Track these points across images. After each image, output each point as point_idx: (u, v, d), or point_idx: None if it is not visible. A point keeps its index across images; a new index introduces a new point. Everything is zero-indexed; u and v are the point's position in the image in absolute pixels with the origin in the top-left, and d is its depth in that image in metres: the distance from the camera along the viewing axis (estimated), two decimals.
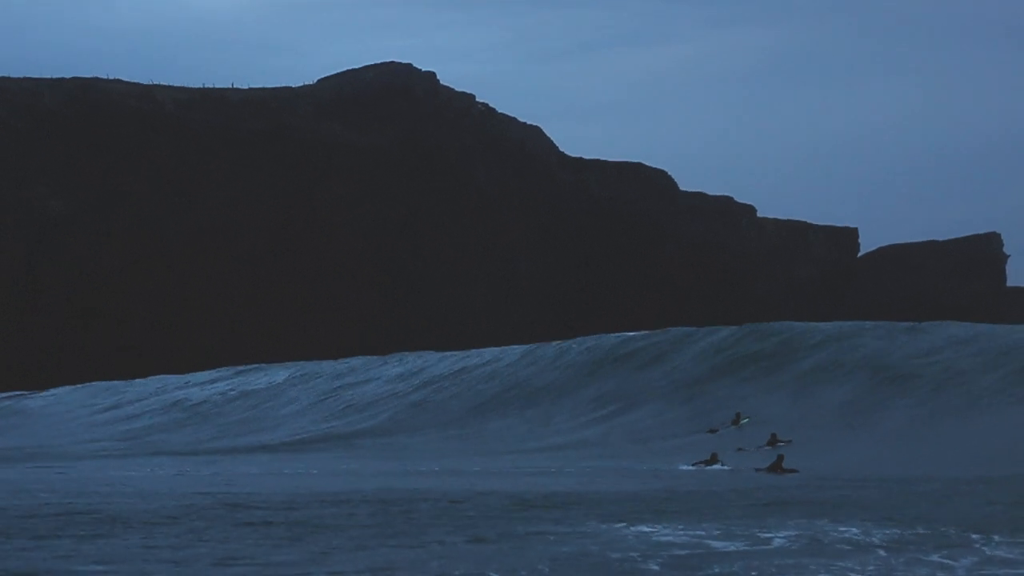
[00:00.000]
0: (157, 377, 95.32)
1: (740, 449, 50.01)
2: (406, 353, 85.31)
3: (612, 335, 74.64)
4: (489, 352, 78.11)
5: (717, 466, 43.14)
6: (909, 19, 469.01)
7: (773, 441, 50.58)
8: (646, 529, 23.35)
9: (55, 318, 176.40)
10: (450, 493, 30.93)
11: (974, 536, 21.77)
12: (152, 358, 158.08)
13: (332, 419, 70.58)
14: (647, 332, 73.01)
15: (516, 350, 76.49)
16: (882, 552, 20.34)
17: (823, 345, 60.43)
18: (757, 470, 40.31)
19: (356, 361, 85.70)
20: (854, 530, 22.75)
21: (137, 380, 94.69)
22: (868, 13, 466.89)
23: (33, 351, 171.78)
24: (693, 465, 43.52)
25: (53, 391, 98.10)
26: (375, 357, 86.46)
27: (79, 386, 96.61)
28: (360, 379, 78.76)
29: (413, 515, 25.85)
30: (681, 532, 22.80)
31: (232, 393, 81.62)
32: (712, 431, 54.87)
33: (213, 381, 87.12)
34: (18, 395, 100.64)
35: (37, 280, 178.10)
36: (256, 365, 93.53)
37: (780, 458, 40.56)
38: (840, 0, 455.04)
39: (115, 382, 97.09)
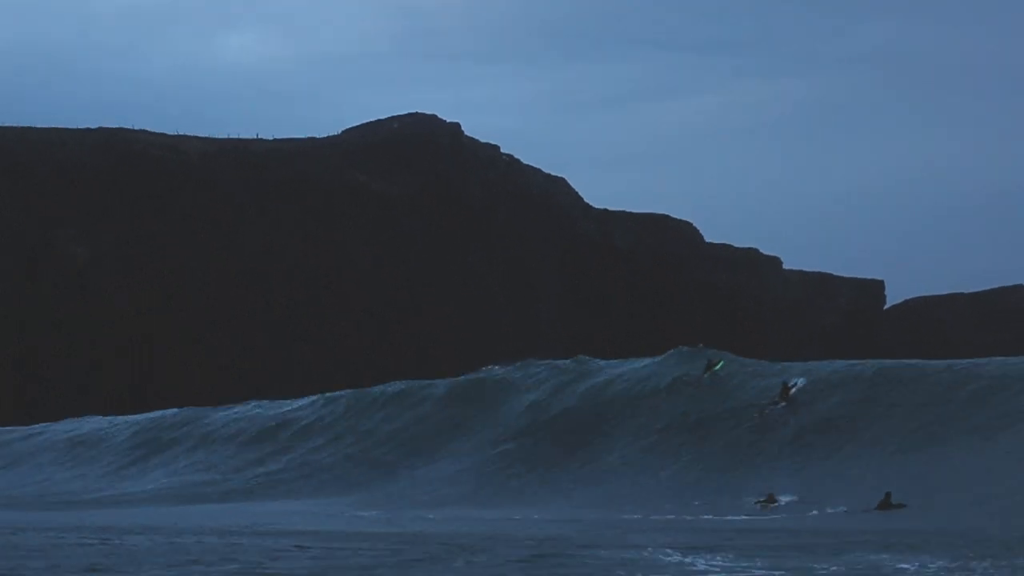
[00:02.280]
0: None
1: (764, 413, 49.58)
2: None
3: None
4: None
5: (778, 503, 42.11)
6: (936, 70, 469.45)
7: (785, 392, 50.46)
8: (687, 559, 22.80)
9: (80, 363, 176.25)
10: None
11: None
12: (174, 403, 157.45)
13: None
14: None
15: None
16: None
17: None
18: (864, 511, 39.13)
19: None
20: (910, 565, 22.12)
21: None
22: (894, 64, 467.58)
23: (56, 393, 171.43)
24: (757, 503, 42.30)
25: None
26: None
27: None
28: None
29: None
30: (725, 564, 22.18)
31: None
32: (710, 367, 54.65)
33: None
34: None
35: (62, 327, 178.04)
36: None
37: (887, 496, 39.58)
38: (866, 51, 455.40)
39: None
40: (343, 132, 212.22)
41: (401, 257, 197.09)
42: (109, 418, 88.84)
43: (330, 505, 50.43)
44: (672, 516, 39.97)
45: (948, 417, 47.28)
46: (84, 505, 56.64)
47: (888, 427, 47.76)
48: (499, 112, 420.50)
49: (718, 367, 55.49)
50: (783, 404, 50.90)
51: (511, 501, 48.48)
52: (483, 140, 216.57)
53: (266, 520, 40.29)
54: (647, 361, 61.21)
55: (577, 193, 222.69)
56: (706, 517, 39.37)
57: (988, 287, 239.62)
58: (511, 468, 54.09)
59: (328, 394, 74.01)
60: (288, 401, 76.20)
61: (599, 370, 62.67)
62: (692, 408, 53.89)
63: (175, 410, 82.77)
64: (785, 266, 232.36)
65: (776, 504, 42.06)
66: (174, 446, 72.62)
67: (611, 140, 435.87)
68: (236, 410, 76.53)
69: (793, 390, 51.22)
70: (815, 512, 39.82)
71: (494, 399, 62.97)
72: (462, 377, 70.97)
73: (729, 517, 39.24)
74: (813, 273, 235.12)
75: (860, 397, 50.21)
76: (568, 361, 66.90)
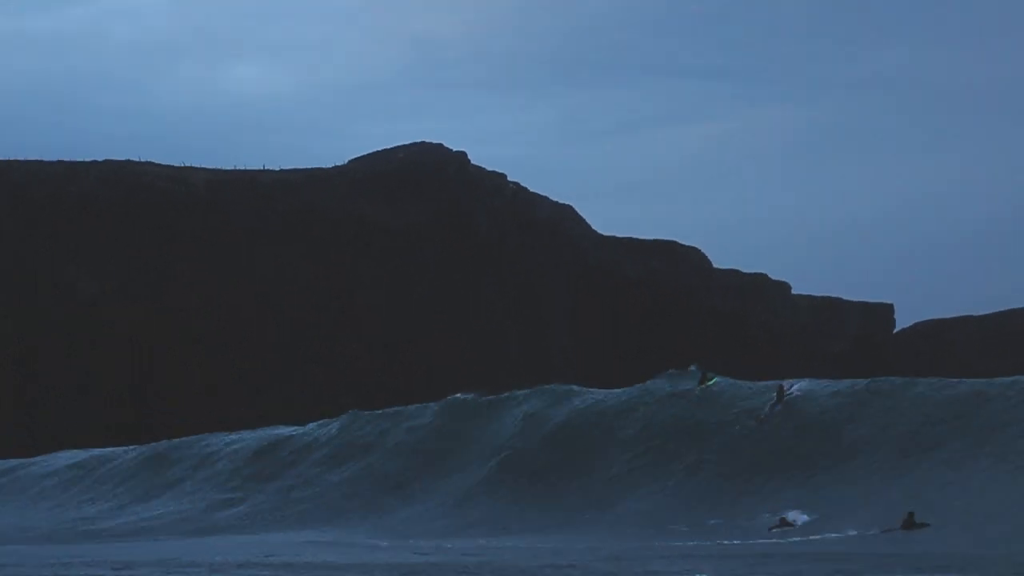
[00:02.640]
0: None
1: (761, 419, 49.35)
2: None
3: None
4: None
5: (795, 517, 41.47)
6: (944, 94, 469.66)
7: (781, 395, 50.60)
8: None
9: (87, 397, 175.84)
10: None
11: None
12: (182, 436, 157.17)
13: None
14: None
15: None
16: None
17: None
18: (886, 531, 38.41)
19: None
20: None
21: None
22: (901, 90, 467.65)
23: (61, 428, 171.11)
24: (772, 529, 41.45)
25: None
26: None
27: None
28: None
29: None
30: None
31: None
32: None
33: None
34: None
35: (68, 361, 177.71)
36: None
37: (910, 515, 38.78)
38: (872, 77, 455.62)
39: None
40: (349, 162, 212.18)
41: (409, 286, 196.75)
42: (109, 449, 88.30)
43: (345, 533, 49.76)
44: (693, 542, 39.33)
45: (949, 424, 46.81)
46: (91, 536, 55.91)
47: (890, 436, 47.21)
48: (505, 141, 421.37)
49: (712, 382, 55.32)
50: (779, 406, 50.91)
51: (520, 525, 47.60)
52: (489, 168, 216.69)
53: (281, 551, 39.79)
54: (634, 387, 60.78)
55: (585, 220, 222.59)
56: (727, 542, 38.71)
57: (997, 310, 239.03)
58: (512, 488, 53.17)
59: (322, 420, 73.53)
60: (288, 427, 75.68)
61: (583, 393, 62.17)
62: (689, 420, 53.42)
63: (166, 441, 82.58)
64: (794, 291, 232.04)
65: (791, 526, 41.37)
66: (178, 474, 72.07)
67: (618, 168, 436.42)
68: (236, 436, 76.16)
69: (789, 391, 51.21)
70: (836, 534, 39.10)
71: (487, 420, 62.34)
72: (451, 397, 70.32)
73: (752, 541, 38.64)
74: (822, 298, 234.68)
75: (857, 404, 49.79)
76: (551, 387, 66.17)
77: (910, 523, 38.51)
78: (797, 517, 41.83)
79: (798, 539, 38.45)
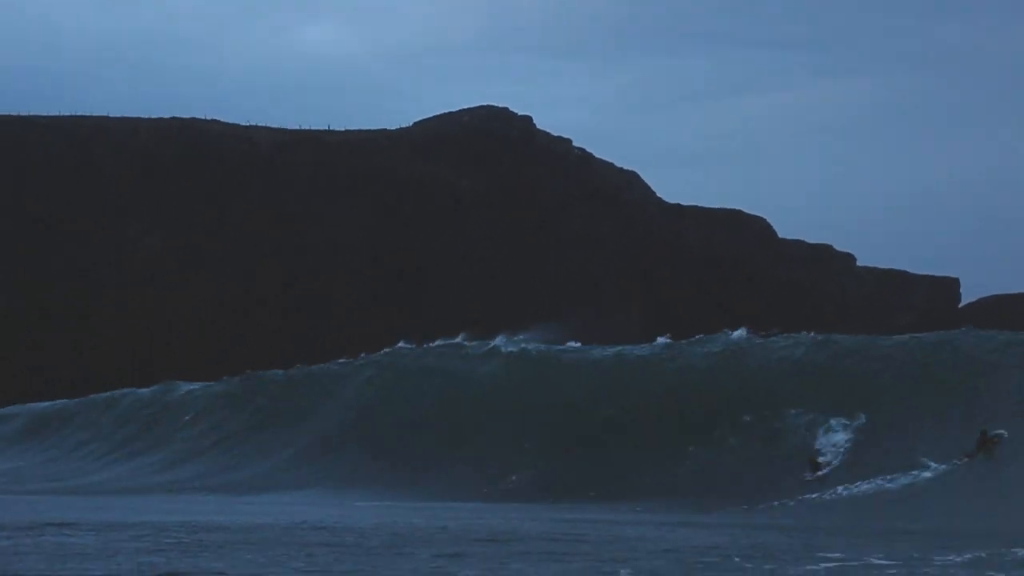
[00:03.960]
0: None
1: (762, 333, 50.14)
2: None
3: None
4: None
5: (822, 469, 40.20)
6: (1012, 69, 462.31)
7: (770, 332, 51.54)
8: None
9: (148, 354, 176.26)
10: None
11: None
12: None
13: None
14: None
15: None
16: None
17: None
18: (967, 457, 36.59)
19: None
20: None
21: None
22: (974, 63, 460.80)
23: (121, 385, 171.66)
24: (809, 478, 39.84)
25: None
26: None
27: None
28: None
29: None
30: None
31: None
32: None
33: None
34: None
35: (131, 318, 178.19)
36: None
37: (983, 433, 36.96)
38: (942, 50, 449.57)
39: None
40: (414, 124, 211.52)
41: (470, 248, 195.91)
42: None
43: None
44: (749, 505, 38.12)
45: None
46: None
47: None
48: (573, 107, 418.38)
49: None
50: (765, 334, 51.98)
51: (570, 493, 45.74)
52: (555, 134, 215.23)
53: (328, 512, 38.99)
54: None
55: (650, 187, 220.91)
56: (775, 503, 37.52)
57: None
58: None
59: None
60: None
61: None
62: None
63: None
64: (859, 263, 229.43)
65: (824, 468, 39.66)
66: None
67: (685, 136, 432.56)
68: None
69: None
70: (911, 476, 37.08)
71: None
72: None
73: (828, 494, 37.39)
74: (887, 270, 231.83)
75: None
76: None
77: (984, 442, 36.53)
78: (825, 457, 40.39)
79: (885, 486, 36.86)
